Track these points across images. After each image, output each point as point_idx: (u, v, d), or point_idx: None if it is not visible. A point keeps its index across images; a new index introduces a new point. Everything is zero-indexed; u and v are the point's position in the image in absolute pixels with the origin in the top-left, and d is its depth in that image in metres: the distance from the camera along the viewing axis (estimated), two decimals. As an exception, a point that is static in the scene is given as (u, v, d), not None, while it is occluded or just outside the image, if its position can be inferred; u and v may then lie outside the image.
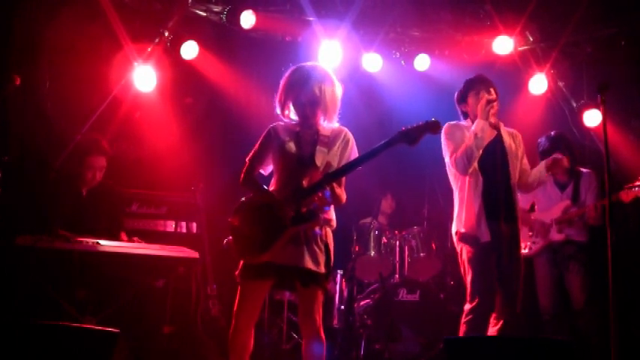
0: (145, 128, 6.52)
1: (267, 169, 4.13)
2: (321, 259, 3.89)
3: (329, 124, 4.04)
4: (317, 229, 3.87)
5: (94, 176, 5.38)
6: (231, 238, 3.98)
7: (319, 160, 3.90)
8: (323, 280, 3.91)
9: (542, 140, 5.98)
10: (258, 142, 4.09)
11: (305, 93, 3.95)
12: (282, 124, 4.09)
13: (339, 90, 4.05)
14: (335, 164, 3.96)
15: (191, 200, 6.06)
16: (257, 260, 3.84)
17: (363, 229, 6.89)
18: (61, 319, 3.85)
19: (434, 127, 3.79)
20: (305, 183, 3.84)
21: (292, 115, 4.07)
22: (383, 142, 3.80)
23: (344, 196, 3.98)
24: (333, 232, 4.04)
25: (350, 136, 4.07)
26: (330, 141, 3.98)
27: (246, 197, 4.01)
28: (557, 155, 5.07)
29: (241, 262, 3.95)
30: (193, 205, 6.06)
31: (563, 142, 5.93)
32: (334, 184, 3.84)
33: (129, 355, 4.93)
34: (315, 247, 3.88)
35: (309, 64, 4.11)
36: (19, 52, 5.59)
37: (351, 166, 3.89)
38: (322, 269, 3.88)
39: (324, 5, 6.65)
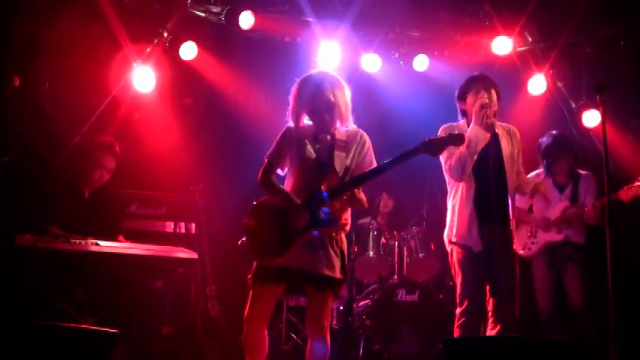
0: (144, 129, 6.51)
1: (285, 168, 4.09)
2: (337, 264, 3.88)
3: (344, 127, 4.04)
4: (330, 234, 3.87)
5: (101, 176, 5.42)
6: (245, 239, 3.97)
7: (338, 166, 3.91)
8: (338, 285, 3.91)
9: (544, 139, 5.97)
10: (277, 142, 4.06)
11: (320, 100, 3.93)
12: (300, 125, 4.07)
13: (349, 93, 4.05)
14: (352, 167, 3.96)
15: (190, 201, 6.05)
16: (272, 263, 3.83)
17: (362, 229, 6.88)
18: (61, 320, 3.84)
19: (458, 140, 3.88)
20: (324, 188, 3.82)
21: (306, 122, 4.05)
22: (406, 150, 3.84)
23: (365, 200, 4.01)
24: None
25: (366, 137, 4.06)
26: (346, 145, 3.98)
27: (262, 199, 4.00)
28: (543, 183, 5.05)
29: (255, 265, 3.94)
30: (192, 205, 6.06)
31: (568, 143, 5.95)
32: (355, 191, 3.88)
33: (128, 355, 4.93)
34: (332, 252, 3.87)
35: (317, 71, 4.12)
36: (19, 53, 5.60)
37: (372, 174, 3.90)
38: (338, 274, 3.88)
39: (323, 6, 6.65)
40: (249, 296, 3.93)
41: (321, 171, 3.89)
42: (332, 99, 3.92)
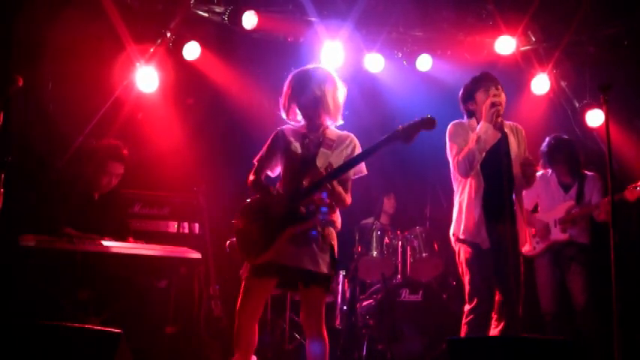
0: (147, 129, 6.52)
1: (276, 170, 4.16)
2: (322, 259, 3.90)
3: (334, 124, 4.09)
4: (315, 230, 3.87)
5: (109, 182, 5.44)
6: (234, 239, 4.02)
7: (320, 161, 3.94)
8: (324, 280, 3.93)
9: (544, 143, 5.97)
10: (266, 145, 4.13)
11: (307, 94, 4.00)
12: (290, 126, 4.15)
13: (341, 90, 4.10)
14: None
15: (193, 201, 6.06)
16: (260, 260, 3.87)
17: (365, 229, 6.88)
18: (64, 320, 3.85)
19: (429, 124, 3.78)
20: (305, 183, 3.87)
21: (298, 117, 4.12)
22: (380, 140, 3.83)
23: (348, 198, 4.01)
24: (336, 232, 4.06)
25: (356, 142, 4.11)
26: (334, 144, 4.02)
27: (251, 199, 4.04)
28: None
29: (245, 263, 3.99)
30: (196, 205, 6.07)
31: (564, 149, 5.91)
32: (334, 184, 3.86)
33: (131, 355, 4.93)
34: (316, 248, 3.89)
35: (310, 66, 4.16)
36: (22, 53, 5.60)
37: (348, 164, 3.92)
38: (323, 270, 3.90)
39: (326, 6, 6.64)
40: (241, 291, 3.98)
41: (306, 167, 3.94)
42: (317, 93, 3.99)
